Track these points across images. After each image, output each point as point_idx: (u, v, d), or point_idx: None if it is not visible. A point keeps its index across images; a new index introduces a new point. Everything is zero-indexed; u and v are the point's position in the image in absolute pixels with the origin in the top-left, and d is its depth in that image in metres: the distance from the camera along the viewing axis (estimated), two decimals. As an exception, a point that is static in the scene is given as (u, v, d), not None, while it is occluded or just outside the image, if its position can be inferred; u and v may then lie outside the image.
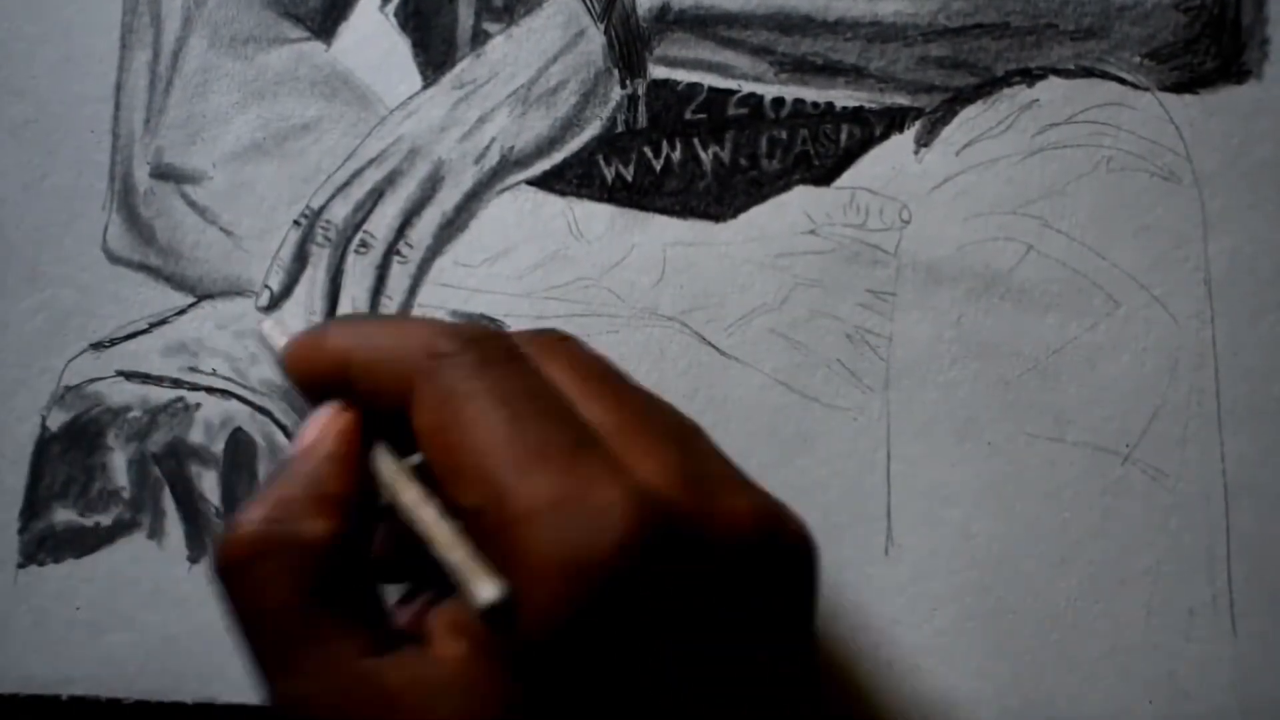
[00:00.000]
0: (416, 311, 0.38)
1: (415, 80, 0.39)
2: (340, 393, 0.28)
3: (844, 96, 0.39)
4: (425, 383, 0.25)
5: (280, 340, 0.31)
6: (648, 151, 0.39)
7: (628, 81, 0.39)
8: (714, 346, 0.37)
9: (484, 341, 0.26)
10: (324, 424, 0.28)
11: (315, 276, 0.38)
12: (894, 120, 0.38)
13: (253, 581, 0.25)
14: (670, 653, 0.24)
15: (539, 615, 0.23)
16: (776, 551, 0.25)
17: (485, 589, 0.23)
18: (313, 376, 0.29)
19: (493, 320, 0.38)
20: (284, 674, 0.25)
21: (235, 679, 0.37)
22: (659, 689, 0.24)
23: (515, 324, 0.38)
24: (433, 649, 0.25)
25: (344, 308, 0.38)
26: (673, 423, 0.27)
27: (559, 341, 0.29)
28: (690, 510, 0.24)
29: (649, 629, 0.23)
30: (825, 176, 0.38)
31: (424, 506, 0.26)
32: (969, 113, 0.38)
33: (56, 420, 0.38)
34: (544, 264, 0.38)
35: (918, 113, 0.38)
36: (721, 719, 0.24)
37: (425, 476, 0.27)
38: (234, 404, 0.38)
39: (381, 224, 0.38)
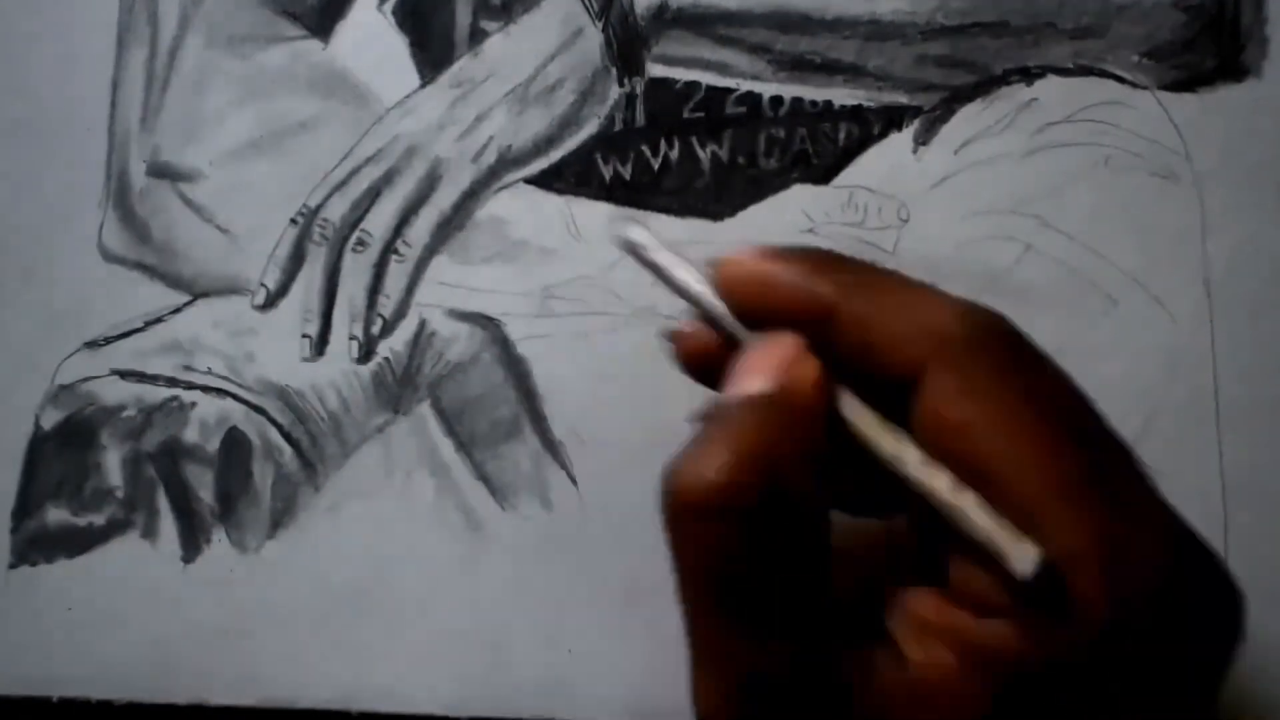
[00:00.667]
0: (414, 309, 0.38)
1: (413, 79, 0.39)
2: (793, 328, 0.25)
3: (842, 95, 0.39)
4: (948, 368, 0.24)
5: (654, 246, 0.28)
6: (646, 150, 0.39)
7: (626, 80, 0.39)
8: (712, 345, 0.37)
9: (1008, 336, 0.25)
10: (789, 362, 0.25)
11: (312, 275, 0.38)
12: (892, 119, 0.38)
13: (731, 536, 0.23)
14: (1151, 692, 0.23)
15: (1077, 647, 0.22)
16: (1239, 607, 0.25)
17: (1026, 556, 0.22)
18: (760, 303, 0.26)
19: (492, 321, 0.38)
20: (733, 635, 0.23)
21: (228, 680, 0.36)
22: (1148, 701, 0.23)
23: (512, 323, 0.38)
24: (908, 650, 0.23)
25: (341, 306, 0.38)
26: (1136, 460, 0.26)
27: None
28: (1197, 553, 0.24)
29: (1159, 667, 0.23)
30: (824, 175, 0.38)
31: (937, 473, 0.23)
32: (967, 111, 0.38)
33: (50, 419, 0.38)
34: (542, 262, 0.38)
35: (916, 111, 0.38)
36: None
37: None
38: (229, 403, 0.38)
39: (379, 222, 0.38)
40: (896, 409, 0.25)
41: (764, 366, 0.25)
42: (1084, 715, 0.22)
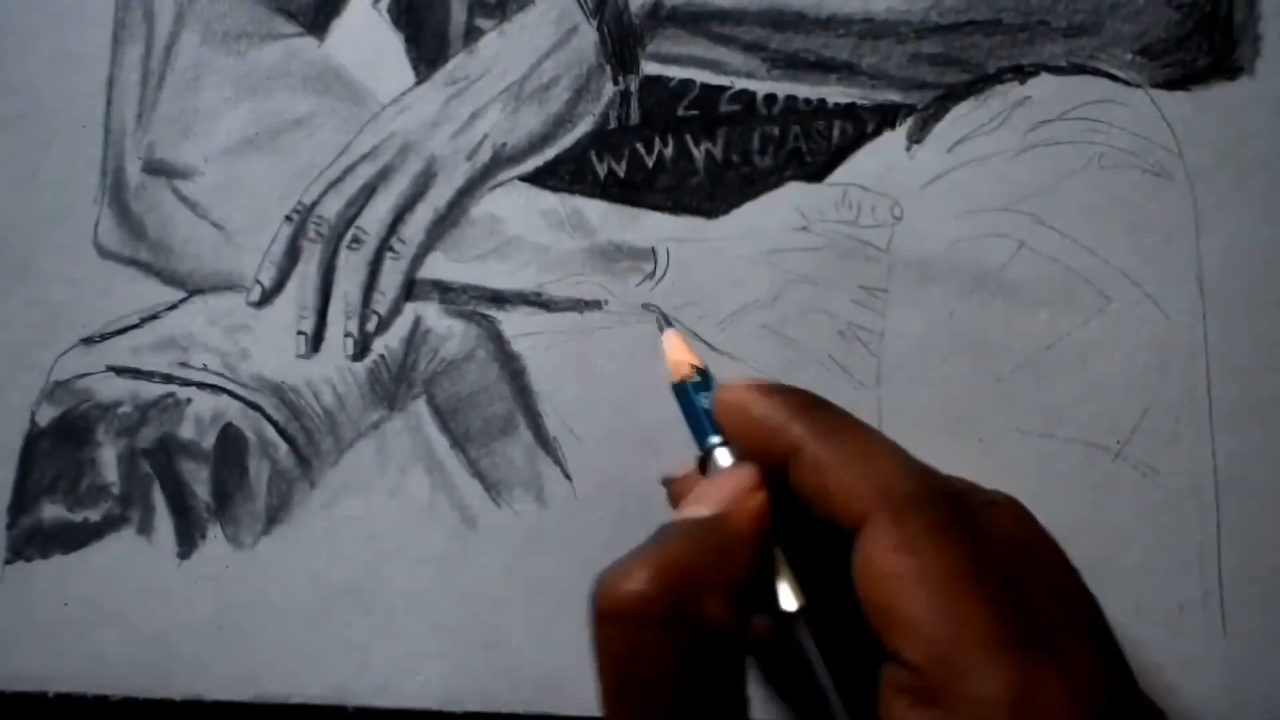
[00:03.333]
0: (409, 307, 0.38)
1: (408, 76, 0.39)
2: (762, 459, 0.28)
3: (836, 93, 0.39)
4: (886, 520, 0.25)
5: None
6: (640, 148, 0.39)
7: (620, 78, 0.39)
8: (706, 342, 0.37)
9: (951, 498, 0.26)
10: (737, 493, 0.27)
11: (307, 272, 0.38)
12: (886, 117, 0.38)
13: (642, 644, 0.25)
14: None
15: None
16: None
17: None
18: (743, 432, 0.29)
19: (486, 318, 0.38)
20: None
21: (223, 676, 0.37)
22: None
23: (508, 319, 0.38)
24: None
25: (336, 303, 0.38)
26: (1098, 617, 0.27)
27: (1010, 509, 0.28)
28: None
29: None
30: (817, 173, 0.38)
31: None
32: (961, 109, 0.38)
33: (46, 415, 0.38)
34: (536, 260, 0.38)
35: (910, 109, 0.38)
36: None
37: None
38: (225, 399, 0.38)
39: (374, 220, 0.38)
40: (845, 554, 0.26)
41: (713, 494, 0.27)
42: None
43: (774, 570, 0.27)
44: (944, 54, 0.38)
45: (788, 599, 0.26)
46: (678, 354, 0.32)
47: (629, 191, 0.38)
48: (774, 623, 0.27)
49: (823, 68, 0.39)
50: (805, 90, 0.39)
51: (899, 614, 0.25)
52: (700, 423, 0.30)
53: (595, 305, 0.38)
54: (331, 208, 0.38)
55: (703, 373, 0.32)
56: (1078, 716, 0.23)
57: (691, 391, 0.31)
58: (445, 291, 0.38)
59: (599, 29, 0.39)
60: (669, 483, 0.32)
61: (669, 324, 0.37)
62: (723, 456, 0.29)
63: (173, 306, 0.39)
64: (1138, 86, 0.38)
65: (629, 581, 0.25)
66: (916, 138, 0.38)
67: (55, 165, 0.39)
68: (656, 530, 0.27)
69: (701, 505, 0.27)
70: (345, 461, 0.38)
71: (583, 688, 0.36)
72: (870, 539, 0.25)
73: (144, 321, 0.39)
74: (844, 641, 0.26)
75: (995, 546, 0.26)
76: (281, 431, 0.38)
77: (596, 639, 0.25)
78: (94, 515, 0.38)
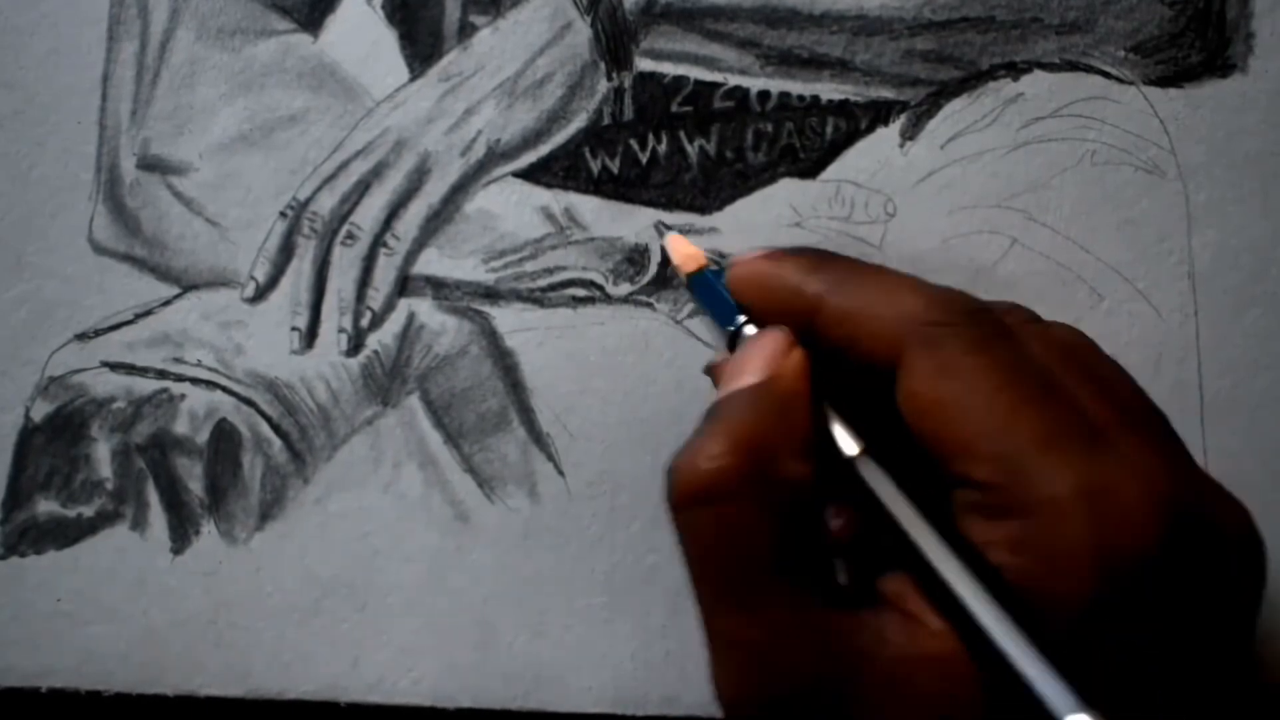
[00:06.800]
0: (402, 303, 0.38)
1: (402, 72, 0.39)
2: (785, 323, 0.28)
3: (829, 90, 0.39)
4: (921, 351, 0.25)
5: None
6: (634, 144, 0.39)
7: (614, 74, 0.39)
8: (699, 339, 0.37)
9: (980, 316, 0.26)
10: (776, 355, 0.27)
11: (301, 268, 0.38)
12: (879, 113, 0.39)
13: (723, 519, 0.25)
14: (1161, 644, 0.24)
15: (1065, 600, 0.23)
16: (1254, 549, 0.26)
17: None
18: (762, 301, 0.29)
19: (480, 314, 0.38)
20: (741, 617, 0.25)
21: (216, 671, 0.37)
22: (1145, 677, 0.23)
23: (501, 315, 0.38)
24: (905, 614, 0.25)
25: (330, 299, 0.38)
26: (1155, 415, 0.27)
27: (1056, 325, 0.28)
28: (1196, 511, 0.24)
29: (1154, 621, 0.23)
30: (811, 169, 0.38)
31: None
32: (954, 106, 0.38)
33: (40, 411, 0.38)
34: (530, 256, 0.38)
35: (903, 106, 0.39)
36: (1182, 705, 0.24)
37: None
38: (219, 395, 0.38)
39: (368, 216, 0.38)
40: (885, 396, 0.26)
41: (752, 362, 0.27)
42: (1092, 676, 0.23)
43: (824, 424, 0.27)
44: (937, 51, 0.38)
45: (848, 444, 0.26)
46: (684, 249, 0.33)
47: (622, 188, 0.38)
48: (833, 477, 0.27)
49: (816, 64, 0.39)
50: (798, 87, 0.39)
51: (955, 437, 0.24)
52: (722, 304, 0.30)
53: (588, 301, 0.38)
54: (326, 204, 0.39)
55: (715, 261, 0.32)
56: (1151, 502, 0.23)
57: (710, 278, 0.31)
58: (439, 287, 0.38)
59: (593, 25, 0.39)
60: (711, 370, 0.32)
61: (667, 228, 0.37)
62: (751, 332, 0.29)
63: (167, 302, 0.39)
64: (1130, 84, 0.38)
65: (705, 459, 0.25)
66: (909, 134, 0.38)
67: (50, 161, 0.39)
68: (708, 410, 0.27)
69: (744, 375, 0.27)
70: (339, 457, 0.38)
71: (576, 683, 0.36)
72: (909, 372, 0.25)
73: (138, 317, 0.39)
74: (899, 482, 0.26)
75: (1036, 355, 0.26)
76: (275, 427, 0.38)
77: (682, 527, 0.25)
78: (88, 511, 0.38)
